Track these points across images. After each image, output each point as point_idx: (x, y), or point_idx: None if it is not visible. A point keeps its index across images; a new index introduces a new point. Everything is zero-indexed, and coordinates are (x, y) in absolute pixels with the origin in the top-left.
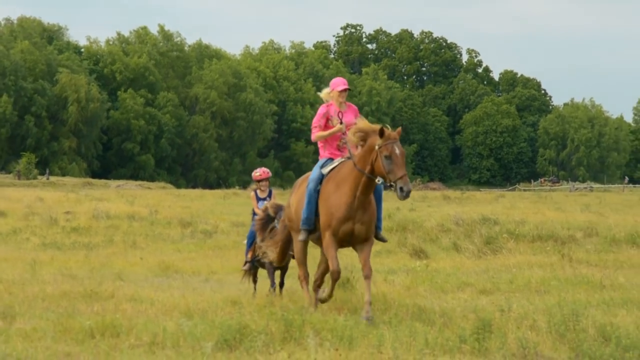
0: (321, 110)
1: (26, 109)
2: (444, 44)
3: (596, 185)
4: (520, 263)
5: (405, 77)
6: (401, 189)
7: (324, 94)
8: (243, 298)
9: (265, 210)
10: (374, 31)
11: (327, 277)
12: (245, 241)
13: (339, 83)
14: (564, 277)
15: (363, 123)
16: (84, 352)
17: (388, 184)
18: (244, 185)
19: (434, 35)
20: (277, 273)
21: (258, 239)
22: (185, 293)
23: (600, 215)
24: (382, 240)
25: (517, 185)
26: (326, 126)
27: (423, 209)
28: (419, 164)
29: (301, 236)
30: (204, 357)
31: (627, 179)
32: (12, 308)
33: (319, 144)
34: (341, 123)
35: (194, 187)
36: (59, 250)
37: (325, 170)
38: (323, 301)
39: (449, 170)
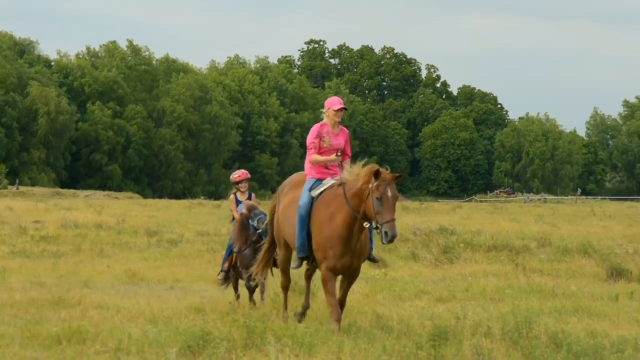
0: (314, 130)
1: None
2: (404, 59)
3: (550, 197)
4: (476, 272)
5: (366, 92)
6: (386, 233)
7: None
8: (207, 306)
9: (242, 215)
10: (337, 47)
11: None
12: (224, 253)
13: (335, 102)
14: (518, 286)
15: (359, 168)
16: (51, 358)
17: (374, 227)
18: (209, 195)
19: (395, 51)
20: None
21: (235, 248)
22: (151, 301)
23: (553, 226)
24: (374, 261)
25: (474, 197)
26: (320, 147)
27: None
28: None
29: (295, 264)
30: None
31: (579, 191)
32: None
33: (306, 162)
34: (337, 155)
35: (160, 197)
36: (28, 259)
37: (315, 193)
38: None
39: (408, 181)
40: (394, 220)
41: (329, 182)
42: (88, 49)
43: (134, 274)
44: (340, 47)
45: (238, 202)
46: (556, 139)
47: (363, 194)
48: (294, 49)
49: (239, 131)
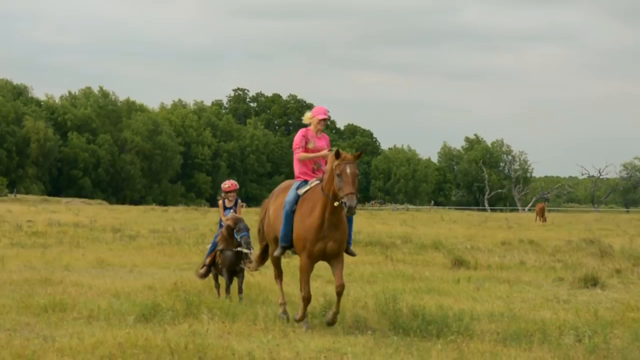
0: (300, 132)
1: (0, 145)
2: (304, 103)
3: (411, 207)
4: (356, 261)
5: (277, 127)
6: (345, 204)
7: (305, 117)
8: (157, 284)
9: (227, 222)
10: (255, 94)
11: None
12: (208, 245)
13: (320, 112)
14: (387, 272)
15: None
16: (39, 322)
17: (339, 201)
18: (159, 203)
19: (297, 98)
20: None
21: (219, 247)
22: (115, 280)
23: (413, 228)
24: (351, 254)
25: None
26: (305, 148)
27: None
28: None
29: (277, 251)
30: (127, 327)
31: (432, 202)
32: None
33: (295, 167)
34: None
35: (122, 203)
36: (22, 249)
37: (301, 191)
38: (298, 321)
39: None
40: (352, 193)
41: (314, 182)
42: (69, 92)
43: (102, 260)
44: (258, 94)
45: (225, 208)
46: (416, 164)
47: (331, 177)
48: (223, 95)
49: (181, 155)
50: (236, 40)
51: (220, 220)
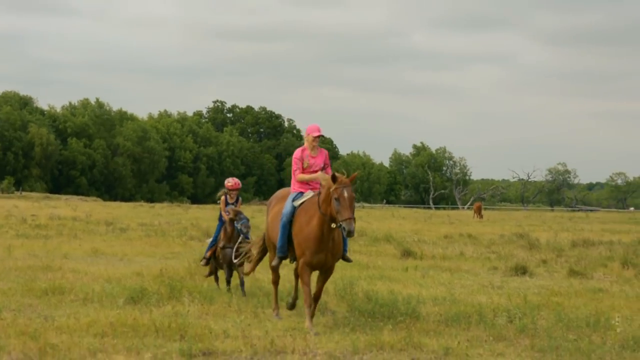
0: (297, 154)
1: (8, 149)
2: (274, 114)
3: (366, 205)
4: None
5: (250, 135)
6: (344, 229)
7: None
8: (144, 271)
9: (228, 214)
10: (231, 105)
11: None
12: (208, 240)
13: (313, 130)
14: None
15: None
16: (41, 304)
17: (337, 225)
18: (147, 200)
19: (267, 109)
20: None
21: (220, 244)
22: (107, 267)
23: (368, 223)
24: (348, 260)
25: None
26: (302, 168)
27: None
28: (258, 189)
29: (274, 262)
30: (118, 308)
31: (384, 201)
32: None
33: (292, 181)
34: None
35: (114, 200)
36: (27, 239)
37: (297, 203)
38: (309, 328)
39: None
40: (350, 218)
41: (309, 194)
42: (69, 103)
43: (96, 250)
44: (233, 106)
45: (227, 204)
46: (370, 167)
47: (328, 198)
48: (203, 106)
49: (166, 159)
50: (215, 60)
51: (220, 215)
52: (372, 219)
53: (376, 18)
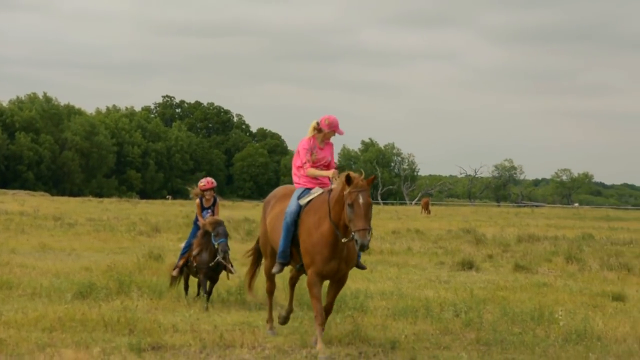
0: (305, 144)
1: None
2: (222, 110)
3: None
4: None
5: (199, 130)
6: (356, 241)
7: (311, 128)
8: (93, 266)
9: (205, 226)
10: (179, 100)
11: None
12: (181, 244)
13: (335, 124)
14: None
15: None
16: None
17: (350, 236)
18: (95, 195)
19: (215, 104)
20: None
21: (194, 251)
22: (56, 262)
23: None
24: (362, 267)
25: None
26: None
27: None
28: None
29: (275, 268)
30: (66, 303)
31: None
32: None
33: (294, 174)
34: (333, 173)
35: (63, 195)
36: None
37: (303, 201)
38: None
39: (225, 189)
40: (365, 229)
41: (317, 190)
42: (17, 97)
43: (45, 245)
44: (182, 101)
45: (203, 208)
46: None
47: (341, 202)
48: (152, 102)
49: (115, 154)
50: (164, 55)
51: (196, 219)
52: None
53: (324, 15)
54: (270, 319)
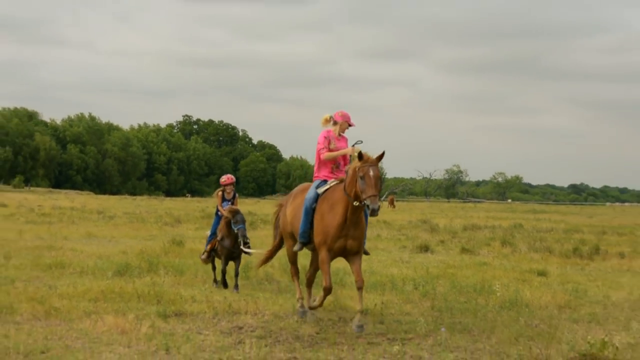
0: (323, 134)
1: (18, 153)
2: (230, 126)
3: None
4: (267, 233)
5: (211, 142)
6: (368, 206)
7: (323, 120)
8: (128, 250)
9: (225, 214)
10: (196, 119)
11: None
12: (207, 232)
13: (348, 117)
14: None
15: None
16: (46, 276)
17: (362, 202)
18: (130, 193)
19: (224, 122)
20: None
21: (218, 237)
22: (99, 247)
23: None
24: (365, 253)
25: (266, 197)
26: (328, 148)
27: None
28: (218, 185)
29: (297, 247)
30: (107, 279)
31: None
32: (9, 253)
33: (315, 167)
34: (353, 146)
35: (104, 194)
36: (34, 225)
37: (320, 190)
38: (313, 308)
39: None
40: (374, 195)
41: (332, 182)
42: (68, 116)
43: (90, 233)
44: (198, 119)
45: (224, 200)
46: (307, 168)
47: (354, 178)
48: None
49: (145, 161)
50: (184, 82)
51: (217, 210)
52: None
53: (311, 50)
54: (301, 297)
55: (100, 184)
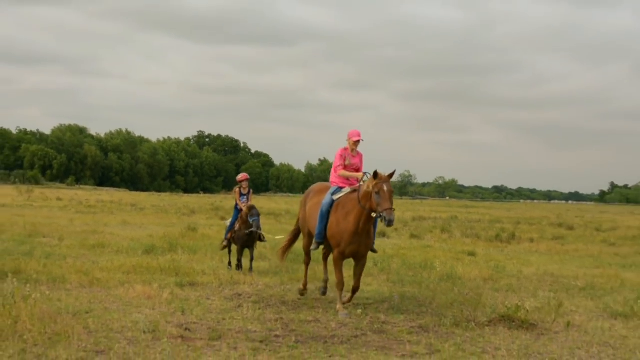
0: (339, 152)
1: (71, 158)
2: (234, 139)
3: (290, 195)
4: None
5: (219, 152)
6: (385, 218)
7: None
8: (154, 234)
9: (244, 209)
10: (208, 134)
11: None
12: (227, 222)
13: (354, 135)
14: (276, 229)
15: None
16: (90, 254)
17: (378, 215)
18: (157, 191)
19: (230, 136)
20: (247, 252)
21: (236, 227)
22: (132, 232)
23: (289, 205)
24: (373, 251)
25: (264, 193)
26: (343, 165)
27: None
28: (224, 185)
29: (313, 246)
30: (137, 257)
31: (301, 193)
32: (63, 236)
33: (332, 172)
34: (362, 176)
35: (136, 191)
36: (82, 214)
37: (336, 197)
38: (343, 305)
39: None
40: (390, 208)
41: (347, 190)
42: (109, 131)
43: (125, 221)
44: (209, 134)
45: (241, 194)
46: (293, 172)
47: (368, 194)
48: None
49: (168, 166)
50: (199, 105)
51: (236, 204)
52: (293, 204)
53: (296, 82)
54: (305, 284)
55: (133, 183)
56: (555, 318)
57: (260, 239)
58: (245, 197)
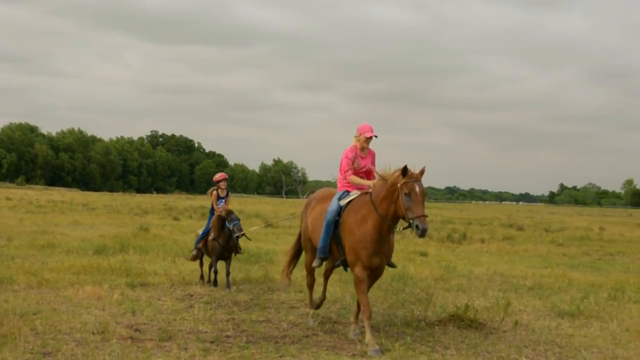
0: (349, 154)
1: (22, 158)
2: (188, 139)
3: (244, 195)
4: None
5: (173, 151)
6: (417, 227)
7: (354, 138)
8: (105, 234)
9: (220, 213)
10: (162, 133)
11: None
12: (199, 231)
13: (366, 130)
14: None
15: (384, 172)
16: (40, 254)
17: (409, 223)
18: (109, 190)
19: (184, 136)
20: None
21: (210, 236)
22: (82, 232)
23: (244, 206)
24: (392, 266)
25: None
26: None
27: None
28: (177, 185)
29: (316, 263)
30: (88, 257)
31: (255, 193)
32: (11, 236)
33: (338, 176)
34: (370, 185)
35: (88, 191)
36: (32, 214)
37: (343, 202)
38: (371, 348)
39: (189, 187)
40: (423, 214)
41: (355, 193)
42: (61, 130)
43: (76, 220)
44: (163, 134)
45: (219, 197)
46: (247, 172)
47: (392, 195)
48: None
49: (121, 166)
50: (152, 104)
51: (212, 208)
52: (247, 205)
53: (251, 83)
54: (311, 309)
55: (85, 183)
56: (504, 317)
57: (237, 250)
58: (224, 200)
